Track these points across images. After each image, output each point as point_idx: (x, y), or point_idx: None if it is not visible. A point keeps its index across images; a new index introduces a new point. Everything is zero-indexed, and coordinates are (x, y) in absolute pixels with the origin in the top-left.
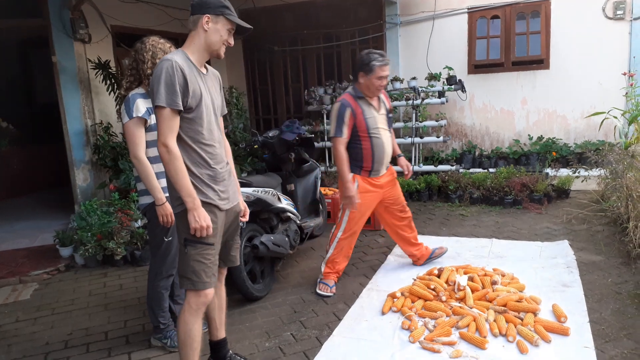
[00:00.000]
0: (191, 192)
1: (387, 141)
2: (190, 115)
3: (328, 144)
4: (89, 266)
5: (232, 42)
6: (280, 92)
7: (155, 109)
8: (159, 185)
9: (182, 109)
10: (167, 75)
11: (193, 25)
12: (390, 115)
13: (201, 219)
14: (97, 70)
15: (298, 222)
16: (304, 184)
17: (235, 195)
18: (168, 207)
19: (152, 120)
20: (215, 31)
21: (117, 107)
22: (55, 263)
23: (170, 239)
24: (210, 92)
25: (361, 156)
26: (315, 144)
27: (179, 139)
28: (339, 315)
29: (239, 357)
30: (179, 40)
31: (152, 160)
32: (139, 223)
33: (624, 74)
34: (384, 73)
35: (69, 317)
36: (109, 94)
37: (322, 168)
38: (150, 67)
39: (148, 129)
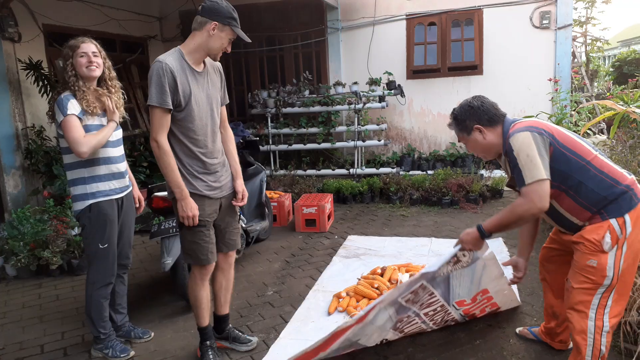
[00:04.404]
0: (179, 184)
1: None
2: (181, 112)
3: (273, 147)
4: (22, 277)
5: (229, 49)
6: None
7: (149, 108)
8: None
9: (171, 107)
10: (158, 76)
11: (199, 26)
12: None
13: (187, 208)
14: (28, 71)
15: (244, 225)
16: (249, 187)
17: (229, 184)
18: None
19: (83, 122)
20: (218, 38)
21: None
22: None
23: (106, 245)
24: (206, 87)
25: None
26: (260, 147)
27: (172, 134)
28: (285, 317)
29: (237, 331)
30: (116, 41)
31: (82, 164)
32: (76, 231)
33: (550, 80)
34: None
35: (1, 330)
36: (42, 96)
37: (267, 172)
38: (66, 69)
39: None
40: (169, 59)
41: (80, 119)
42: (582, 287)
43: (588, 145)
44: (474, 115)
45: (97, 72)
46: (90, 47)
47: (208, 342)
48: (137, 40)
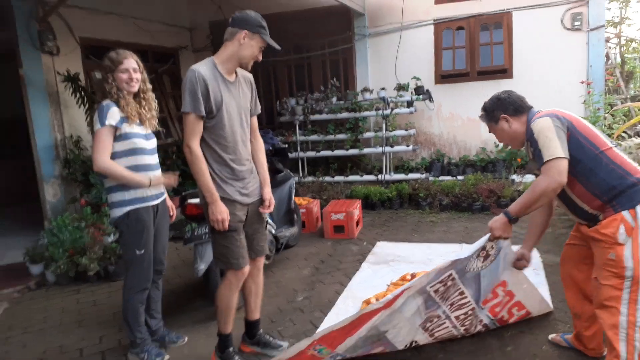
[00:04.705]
0: (210, 188)
1: None
2: (212, 119)
3: (301, 154)
4: (61, 283)
5: (260, 58)
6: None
7: (182, 115)
8: (133, 174)
9: (204, 114)
10: (191, 84)
11: (230, 36)
12: None
13: (217, 212)
14: (66, 83)
15: (273, 232)
16: (279, 193)
17: (256, 191)
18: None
19: (123, 129)
20: (249, 46)
21: (87, 119)
22: (26, 281)
23: (142, 251)
24: (237, 97)
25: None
26: (289, 154)
27: (203, 140)
28: (315, 323)
29: (268, 336)
30: (148, 52)
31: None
32: (112, 237)
33: (582, 82)
34: None
35: (42, 335)
36: (79, 107)
37: (296, 178)
38: (106, 80)
39: (117, 139)
40: (202, 67)
41: (118, 127)
42: (608, 284)
43: (605, 138)
44: (501, 106)
45: (136, 88)
46: (131, 63)
47: (231, 349)
48: (168, 51)
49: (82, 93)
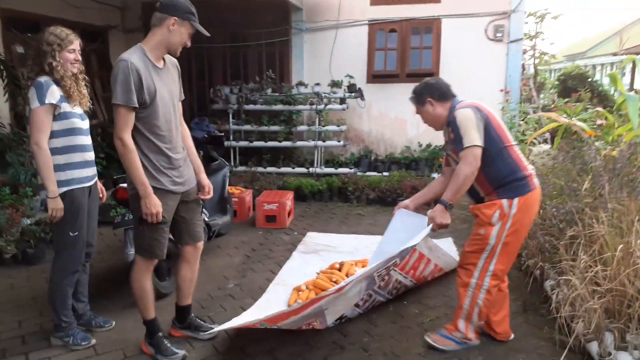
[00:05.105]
0: (143, 181)
1: None
2: (146, 109)
3: (234, 143)
4: None
5: (189, 44)
6: (184, 89)
7: (113, 106)
8: (54, 177)
9: (137, 105)
10: (123, 75)
11: (158, 22)
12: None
13: (151, 205)
14: None
15: (207, 219)
16: (213, 182)
17: (192, 178)
18: (59, 202)
19: (63, 108)
20: (178, 33)
21: (5, 94)
22: None
23: (76, 233)
24: (167, 83)
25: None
26: None
27: (137, 130)
28: (246, 309)
29: (199, 320)
30: (75, 30)
31: (58, 150)
32: (30, 220)
33: (501, 91)
34: None
35: None
36: None
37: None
38: (51, 56)
39: (57, 118)
40: (133, 57)
41: (58, 106)
42: (471, 250)
43: (509, 135)
44: (428, 90)
45: (77, 69)
46: (78, 44)
47: (160, 334)
48: (97, 29)
49: (1, 67)
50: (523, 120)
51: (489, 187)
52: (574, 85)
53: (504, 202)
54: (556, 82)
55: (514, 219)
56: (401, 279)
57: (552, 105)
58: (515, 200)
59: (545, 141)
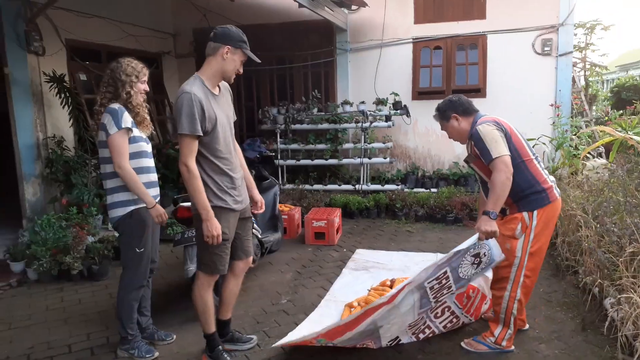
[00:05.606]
0: (206, 206)
1: None
2: (208, 135)
3: (281, 161)
4: (43, 281)
5: (241, 70)
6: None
7: (179, 136)
8: (145, 190)
9: (201, 134)
10: (188, 107)
11: (212, 51)
12: None
13: (213, 228)
14: (52, 83)
15: (259, 236)
16: (264, 200)
17: (247, 197)
18: (159, 209)
19: (135, 132)
20: (232, 61)
21: (70, 120)
22: (6, 278)
23: (142, 250)
24: (224, 108)
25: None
26: None
27: (202, 155)
28: (299, 324)
29: (239, 334)
30: (131, 55)
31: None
32: (94, 238)
33: (551, 105)
34: None
35: (28, 331)
36: (63, 107)
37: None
38: (129, 86)
39: (129, 141)
40: (194, 89)
41: (131, 130)
42: (501, 266)
43: (529, 149)
44: (452, 107)
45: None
46: (147, 75)
47: (220, 347)
48: (152, 56)
49: (67, 94)
50: (575, 134)
51: (509, 200)
52: (629, 97)
53: (525, 214)
54: (609, 94)
55: (536, 231)
56: (458, 313)
57: (606, 118)
58: (535, 213)
59: (599, 155)
